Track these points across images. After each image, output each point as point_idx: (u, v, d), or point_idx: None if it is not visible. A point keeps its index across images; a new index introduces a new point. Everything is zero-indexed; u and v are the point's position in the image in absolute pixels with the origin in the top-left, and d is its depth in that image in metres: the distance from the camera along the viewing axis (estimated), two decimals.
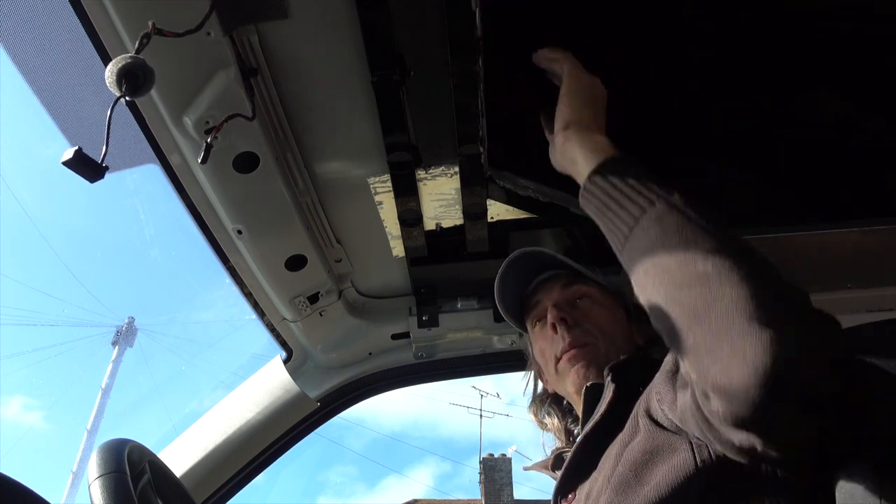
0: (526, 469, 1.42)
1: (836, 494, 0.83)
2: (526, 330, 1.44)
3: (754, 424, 0.63)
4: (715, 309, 0.63)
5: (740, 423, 0.63)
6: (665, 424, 0.90)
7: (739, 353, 0.59)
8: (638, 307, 1.30)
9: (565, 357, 1.25)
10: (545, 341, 1.32)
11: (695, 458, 0.82)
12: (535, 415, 1.41)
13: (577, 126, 0.99)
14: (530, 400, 1.45)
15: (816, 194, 1.43)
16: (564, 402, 1.36)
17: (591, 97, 1.04)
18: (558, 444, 1.34)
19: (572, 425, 1.34)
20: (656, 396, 0.92)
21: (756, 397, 0.59)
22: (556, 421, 1.35)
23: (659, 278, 0.72)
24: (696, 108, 1.39)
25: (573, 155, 0.96)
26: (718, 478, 0.80)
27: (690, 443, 0.84)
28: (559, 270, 1.41)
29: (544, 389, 1.43)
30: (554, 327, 1.28)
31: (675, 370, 0.88)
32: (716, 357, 0.63)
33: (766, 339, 0.58)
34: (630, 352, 1.24)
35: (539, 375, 1.44)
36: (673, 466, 0.84)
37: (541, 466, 1.32)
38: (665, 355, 0.96)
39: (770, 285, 0.64)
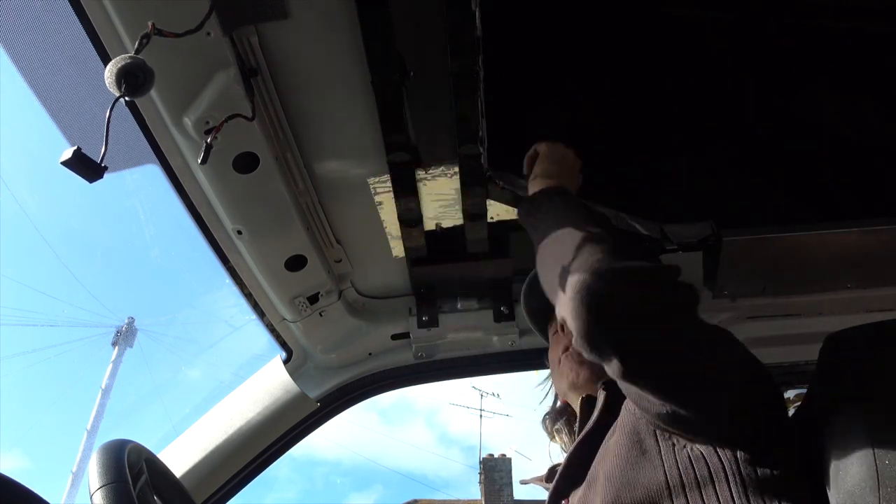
0: (523, 483, 1.44)
1: (836, 494, 0.84)
2: (548, 340, 1.46)
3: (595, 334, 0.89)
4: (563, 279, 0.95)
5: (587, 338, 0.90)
6: (641, 417, 1.01)
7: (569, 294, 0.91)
8: None
9: (564, 354, 1.29)
10: (555, 344, 1.36)
11: (663, 464, 0.95)
12: (548, 427, 1.43)
13: (541, 176, 1.23)
14: (546, 412, 1.46)
15: (816, 194, 1.43)
16: (577, 422, 1.38)
17: (561, 160, 1.26)
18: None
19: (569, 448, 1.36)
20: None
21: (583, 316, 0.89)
22: (564, 436, 1.38)
23: (548, 260, 1.04)
24: (695, 108, 1.40)
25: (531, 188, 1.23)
26: (684, 475, 0.93)
27: (658, 450, 0.97)
28: None
29: (560, 404, 1.44)
30: (562, 327, 1.32)
31: None
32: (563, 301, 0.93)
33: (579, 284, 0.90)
34: None
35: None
36: (645, 471, 0.96)
37: (536, 480, 1.35)
38: None
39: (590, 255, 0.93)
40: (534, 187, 1.21)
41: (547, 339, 1.48)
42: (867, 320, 0.96)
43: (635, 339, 0.90)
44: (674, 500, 0.92)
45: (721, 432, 0.93)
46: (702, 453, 0.93)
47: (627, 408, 1.06)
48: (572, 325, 0.91)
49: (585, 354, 0.92)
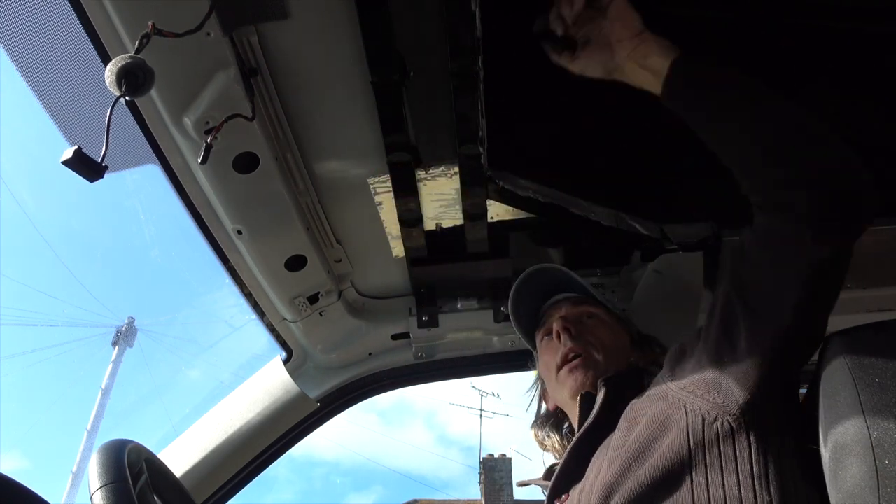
0: (521, 485, 1.44)
1: (836, 494, 0.84)
2: (535, 347, 1.47)
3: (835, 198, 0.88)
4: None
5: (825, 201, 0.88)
6: (673, 400, 1.02)
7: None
8: (641, 335, 1.41)
9: (566, 367, 1.29)
10: (549, 352, 1.36)
11: (688, 439, 0.96)
12: (537, 435, 1.43)
13: (649, 33, 1.08)
14: (533, 420, 1.47)
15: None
16: (565, 426, 1.39)
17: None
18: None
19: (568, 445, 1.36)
20: (669, 378, 1.06)
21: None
22: (555, 442, 1.38)
23: (751, 124, 0.97)
24: None
25: (647, 51, 1.06)
26: (710, 455, 0.95)
27: (686, 422, 0.97)
28: (572, 294, 1.45)
29: (547, 409, 1.45)
30: (558, 336, 1.32)
31: (682, 347, 1.09)
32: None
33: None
34: (625, 369, 1.28)
35: (543, 394, 1.46)
36: (668, 447, 0.97)
37: (535, 481, 1.36)
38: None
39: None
40: (649, 47, 1.06)
41: (533, 345, 1.48)
42: (867, 320, 0.96)
43: (857, 235, 0.91)
44: (694, 477, 0.93)
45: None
46: (731, 429, 0.94)
47: (655, 392, 1.06)
48: (820, 195, 0.88)
49: (803, 227, 0.89)
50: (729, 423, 0.94)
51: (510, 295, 1.48)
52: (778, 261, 0.94)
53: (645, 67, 1.06)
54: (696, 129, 1.03)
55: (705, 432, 0.95)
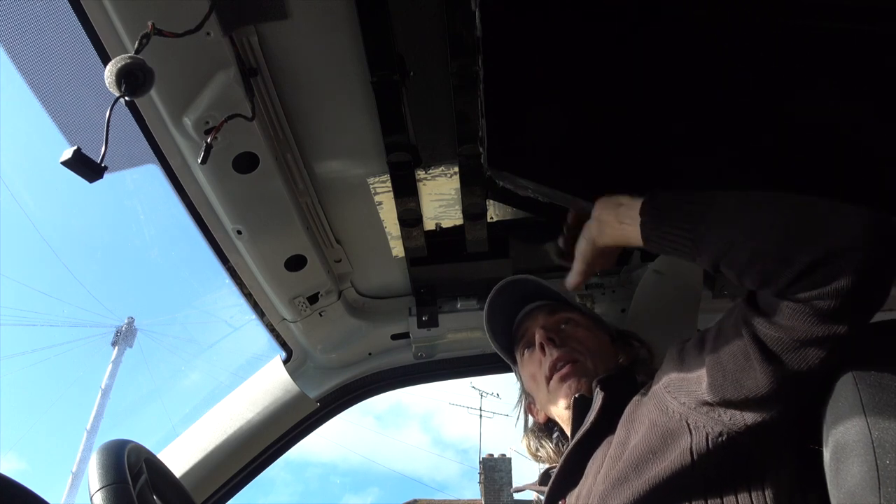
0: (516, 490, 1.44)
1: (837, 493, 0.84)
2: (516, 362, 1.46)
3: (860, 266, 0.82)
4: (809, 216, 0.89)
5: (851, 272, 0.81)
6: (674, 414, 1.00)
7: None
8: (619, 331, 1.41)
9: (556, 376, 1.28)
10: (535, 365, 1.35)
11: (692, 456, 0.94)
12: (529, 447, 1.43)
13: (607, 199, 1.08)
14: (523, 433, 1.46)
15: (816, 195, 1.43)
16: (555, 433, 1.38)
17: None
18: None
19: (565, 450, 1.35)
20: (667, 391, 1.03)
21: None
22: (549, 451, 1.37)
23: (750, 229, 0.89)
24: (695, 109, 1.40)
25: (617, 201, 1.05)
26: (711, 470, 0.94)
27: (690, 439, 0.96)
28: (543, 301, 1.44)
29: (535, 422, 1.44)
30: (542, 348, 1.31)
31: (681, 355, 1.04)
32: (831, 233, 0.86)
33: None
34: (615, 369, 1.28)
35: (529, 408, 1.45)
36: (671, 462, 0.95)
37: (530, 486, 1.36)
38: (646, 376, 1.18)
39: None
40: (609, 208, 1.07)
41: (513, 360, 1.47)
42: None
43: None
44: (695, 495, 0.93)
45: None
46: (736, 446, 0.93)
47: (655, 402, 1.05)
48: (857, 264, 0.81)
49: (840, 288, 0.80)
50: (733, 439, 0.93)
51: (484, 312, 1.46)
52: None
53: (620, 220, 1.02)
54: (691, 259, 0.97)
55: (710, 451, 0.94)
